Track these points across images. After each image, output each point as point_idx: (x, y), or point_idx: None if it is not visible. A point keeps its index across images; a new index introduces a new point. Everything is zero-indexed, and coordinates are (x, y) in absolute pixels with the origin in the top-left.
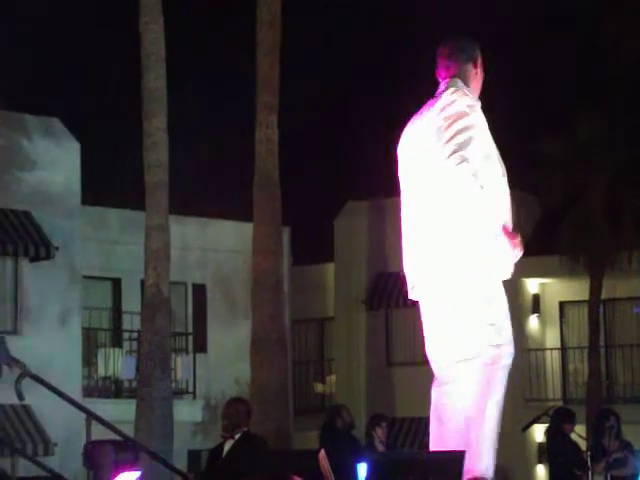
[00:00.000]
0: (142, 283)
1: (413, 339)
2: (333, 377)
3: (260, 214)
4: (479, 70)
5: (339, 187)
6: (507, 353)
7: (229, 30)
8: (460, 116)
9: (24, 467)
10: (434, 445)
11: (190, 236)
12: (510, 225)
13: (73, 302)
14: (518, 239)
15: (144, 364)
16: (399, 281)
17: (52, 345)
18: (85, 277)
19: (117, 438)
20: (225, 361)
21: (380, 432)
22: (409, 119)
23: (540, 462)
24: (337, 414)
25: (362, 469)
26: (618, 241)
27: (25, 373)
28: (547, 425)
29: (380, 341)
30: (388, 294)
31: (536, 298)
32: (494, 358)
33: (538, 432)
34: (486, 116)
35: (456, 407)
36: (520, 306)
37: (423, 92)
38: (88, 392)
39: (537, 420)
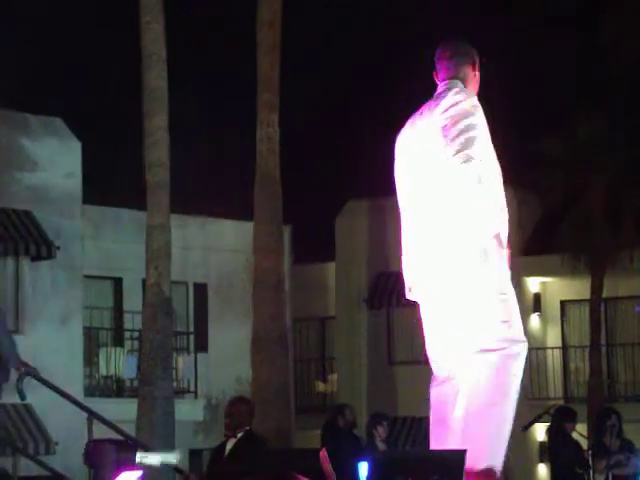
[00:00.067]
0: (143, 282)
1: (414, 338)
2: (334, 376)
3: (261, 213)
4: (477, 73)
5: (340, 186)
6: (522, 348)
7: (229, 30)
8: (465, 115)
9: (25, 466)
10: (436, 444)
11: (191, 235)
12: (506, 229)
13: (74, 301)
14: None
15: (145, 363)
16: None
17: (53, 344)
18: (86, 276)
19: (118, 437)
20: (226, 360)
21: (381, 431)
22: (408, 119)
23: (541, 461)
24: (339, 413)
25: (363, 468)
26: (618, 241)
27: (35, 377)
28: (548, 424)
29: (381, 340)
30: (389, 293)
31: (537, 297)
32: (509, 353)
33: (539, 431)
34: (486, 116)
35: (472, 403)
36: (521, 305)
37: (423, 92)
38: (90, 391)
39: (538, 419)
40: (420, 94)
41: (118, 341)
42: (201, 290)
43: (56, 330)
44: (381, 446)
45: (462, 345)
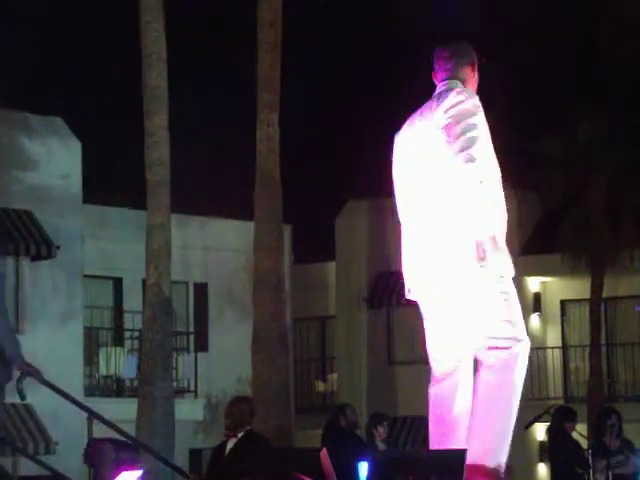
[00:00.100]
0: (143, 282)
1: (414, 338)
2: (334, 375)
3: (261, 212)
4: (476, 74)
5: (340, 186)
6: (526, 347)
7: (230, 30)
8: (468, 115)
9: (25, 466)
10: (435, 443)
11: (191, 235)
12: (505, 229)
13: (74, 301)
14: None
15: (145, 363)
16: (400, 280)
17: (53, 344)
18: (86, 276)
19: (118, 437)
20: (226, 360)
21: (381, 431)
22: (406, 120)
23: (541, 461)
24: (341, 413)
25: (363, 468)
26: (618, 241)
27: (38, 379)
28: (548, 424)
29: (381, 340)
30: (389, 293)
31: (537, 296)
32: (514, 352)
33: (539, 431)
34: (486, 116)
35: (479, 402)
36: (521, 304)
37: (423, 92)
38: (90, 391)
39: (538, 419)
40: (420, 94)
41: (118, 341)
42: (201, 290)
43: (56, 330)
44: (381, 446)
45: (463, 345)
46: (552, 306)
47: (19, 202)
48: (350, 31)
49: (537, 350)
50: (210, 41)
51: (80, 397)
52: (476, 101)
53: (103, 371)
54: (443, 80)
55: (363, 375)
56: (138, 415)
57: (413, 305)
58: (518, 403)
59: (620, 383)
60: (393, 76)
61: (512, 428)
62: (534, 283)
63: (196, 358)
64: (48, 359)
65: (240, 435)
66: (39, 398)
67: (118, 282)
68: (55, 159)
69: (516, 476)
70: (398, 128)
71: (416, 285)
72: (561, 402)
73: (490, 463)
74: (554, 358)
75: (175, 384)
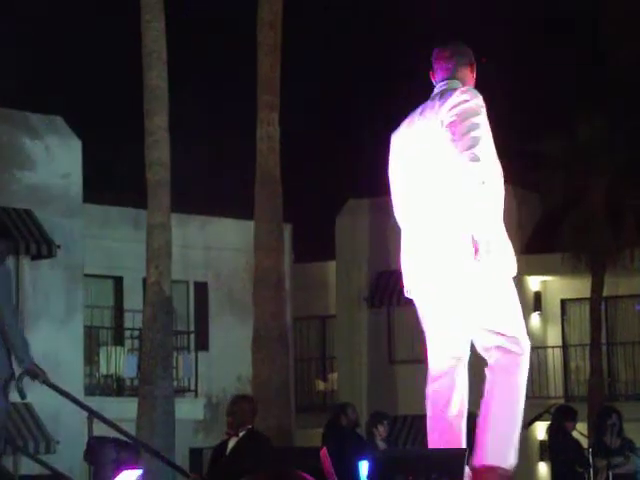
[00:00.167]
0: (144, 281)
1: (415, 337)
2: (335, 375)
3: (261, 211)
4: (474, 75)
5: (340, 185)
6: (527, 346)
7: (230, 31)
8: (473, 114)
9: (26, 465)
10: (434, 441)
11: (192, 234)
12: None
13: (75, 300)
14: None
15: (146, 362)
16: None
17: (54, 343)
18: (87, 275)
19: (118, 436)
20: (227, 359)
21: (382, 430)
22: (404, 119)
23: (542, 460)
24: (342, 412)
25: (364, 467)
26: (619, 241)
27: (45, 382)
28: (549, 423)
29: (382, 339)
30: (390, 292)
31: (538, 296)
32: (516, 352)
33: (540, 430)
34: (487, 116)
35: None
36: (522, 304)
37: (422, 93)
38: (90, 390)
39: (539, 418)
40: (419, 95)
41: (118, 340)
42: (202, 289)
43: (56, 329)
44: (381, 445)
45: (462, 344)
46: (552, 305)
47: (19, 201)
48: (350, 33)
49: (537, 349)
50: (210, 42)
51: (80, 396)
52: (480, 101)
53: (103, 370)
54: (443, 80)
55: (363, 374)
56: (138, 414)
57: (413, 304)
58: (523, 404)
59: (620, 382)
60: (393, 77)
61: (519, 429)
62: (534, 282)
63: (196, 357)
64: (48, 358)
65: (241, 434)
66: (39, 397)
67: (118, 281)
68: (55, 158)
69: (516, 475)
70: (396, 128)
71: (415, 284)
72: (561, 401)
73: (498, 465)
74: (554, 357)
75: (175, 383)
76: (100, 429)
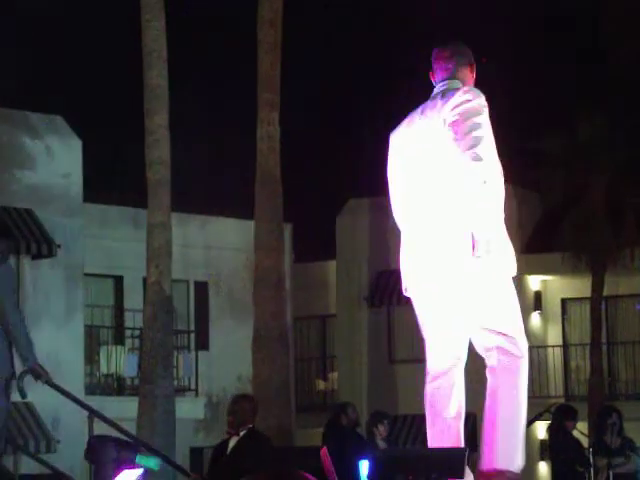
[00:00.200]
0: (144, 281)
1: (415, 336)
2: (335, 374)
3: (261, 211)
4: (474, 75)
5: (341, 185)
6: (525, 347)
7: (230, 29)
8: (475, 113)
9: (26, 464)
10: (433, 440)
11: (192, 233)
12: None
13: (75, 300)
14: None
15: (146, 361)
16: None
17: (54, 343)
18: (87, 275)
19: (119, 435)
20: (227, 358)
21: (382, 429)
22: (404, 119)
23: (542, 459)
24: (342, 411)
25: (364, 466)
26: (619, 240)
27: (48, 382)
28: (549, 422)
29: (382, 338)
30: (390, 291)
31: (538, 295)
32: (515, 353)
33: (540, 429)
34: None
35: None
36: (522, 303)
37: (423, 92)
38: (90, 389)
39: (539, 417)
40: (420, 93)
41: (119, 339)
42: (202, 288)
43: (57, 328)
44: (382, 444)
45: (461, 343)
46: (553, 304)
47: (20, 201)
48: (350, 31)
49: (538, 348)
50: (210, 41)
51: (81, 396)
52: (482, 101)
53: (104, 369)
54: (443, 80)
55: (364, 374)
56: (139, 414)
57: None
58: (526, 405)
59: (621, 381)
60: (393, 76)
61: (523, 430)
62: (535, 281)
63: (197, 357)
64: (49, 358)
65: (242, 433)
66: (40, 396)
67: (119, 280)
68: (56, 158)
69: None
70: (396, 126)
71: (414, 283)
72: (562, 400)
73: (507, 469)
74: (555, 356)
75: (176, 383)
76: (101, 428)
